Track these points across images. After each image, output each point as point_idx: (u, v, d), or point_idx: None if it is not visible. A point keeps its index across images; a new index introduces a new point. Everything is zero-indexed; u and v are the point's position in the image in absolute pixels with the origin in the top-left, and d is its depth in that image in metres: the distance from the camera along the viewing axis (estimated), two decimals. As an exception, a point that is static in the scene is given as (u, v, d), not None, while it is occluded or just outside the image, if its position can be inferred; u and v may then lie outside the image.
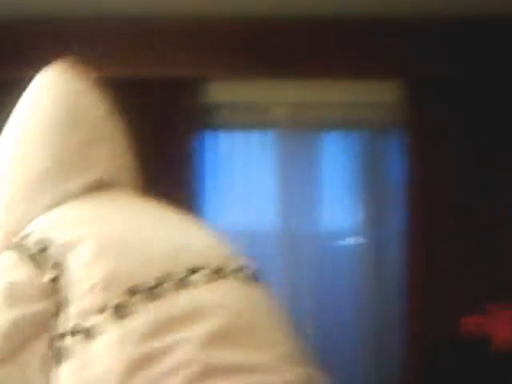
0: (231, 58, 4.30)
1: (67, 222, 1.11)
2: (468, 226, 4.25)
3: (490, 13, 4.13)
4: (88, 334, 0.97)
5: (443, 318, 4.16)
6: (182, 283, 1.02)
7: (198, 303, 1.00)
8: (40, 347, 1.01)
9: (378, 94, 4.40)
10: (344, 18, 4.26)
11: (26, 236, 1.08)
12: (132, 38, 4.32)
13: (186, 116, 4.38)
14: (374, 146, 4.53)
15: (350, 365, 4.30)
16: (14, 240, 1.10)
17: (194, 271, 1.03)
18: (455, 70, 4.35)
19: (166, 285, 1.01)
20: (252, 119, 4.60)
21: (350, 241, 4.63)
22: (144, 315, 0.97)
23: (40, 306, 1.01)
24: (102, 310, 0.97)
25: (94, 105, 1.27)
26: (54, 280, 1.02)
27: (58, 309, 1.00)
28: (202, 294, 1.01)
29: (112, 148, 1.27)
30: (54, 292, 1.01)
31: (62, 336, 0.99)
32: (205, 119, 4.48)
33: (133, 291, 0.99)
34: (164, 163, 4.35)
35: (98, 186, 1.20)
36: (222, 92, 4.48)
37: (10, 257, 1.07)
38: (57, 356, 0.99)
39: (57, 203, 1.14)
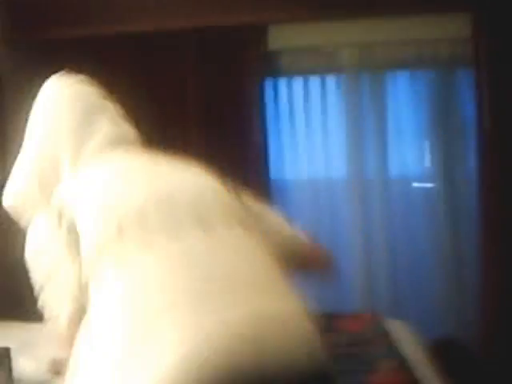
0: (293, 2, 4.21)
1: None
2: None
3: None
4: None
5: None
6: None
7: None
8: None
9: (447, 30, 4.19)
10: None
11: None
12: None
13: (250, 64, 4.31)
14: (444, 86, 4.34)
15: (426, 305, 4.24)
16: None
17: None
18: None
19: None
20: (317, 64, 4.47)
21: (421, 185, 4.52)
22: None
23: None
24: None
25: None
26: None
27: None
28: None
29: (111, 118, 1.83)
30: None
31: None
32: (269, 66, 4.40)
33: None
34: (229, 112, 4.34)
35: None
36: (285, 38, 4.37)
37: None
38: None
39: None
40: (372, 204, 4.41)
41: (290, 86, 4.52)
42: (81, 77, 1.92)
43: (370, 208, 4.41)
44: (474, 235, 4.21)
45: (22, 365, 2.01)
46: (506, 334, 4.06)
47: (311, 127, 4.49)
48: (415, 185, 4.54)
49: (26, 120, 1.91)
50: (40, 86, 1.95)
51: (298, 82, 4.50)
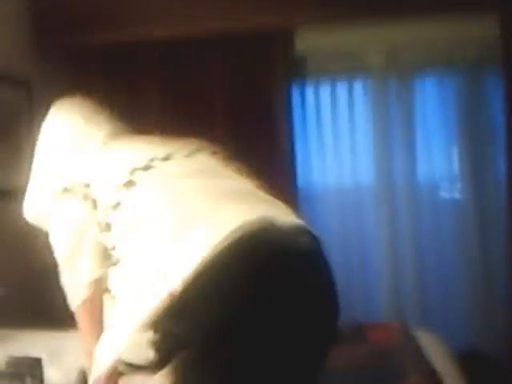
0: (320, 5, 4.18)
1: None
2: None
3: None
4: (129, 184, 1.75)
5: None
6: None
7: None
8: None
9: (474, 31, 4.11)
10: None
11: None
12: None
13: (276, 69, 4.30)
14: (472, 88, 4.29)
15: (453, 316, 4.21)
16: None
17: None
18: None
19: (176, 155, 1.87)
20: (344, 68, 4.45)
21: (450, 190, 4.48)
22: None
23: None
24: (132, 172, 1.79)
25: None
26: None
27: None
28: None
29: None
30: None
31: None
32: (295, 71, 4.38)
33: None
34: (256, 118, 4.33)
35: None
36: (311, 42, 4.34)
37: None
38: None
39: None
40: (400, 210, 4.37)
41: (316, 91, 4.50)
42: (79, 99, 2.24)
43: (397, 214, 4.37)
44: (504, 243, 4.14)
45: (51, 375, 2.02)
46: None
47: (338, 132, 4.46)
48: (443, 190, 4.49)
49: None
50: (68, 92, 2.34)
51: (325, 87, 4.48)
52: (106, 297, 1.71)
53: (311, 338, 1.52)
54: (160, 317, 1.46)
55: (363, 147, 4.45)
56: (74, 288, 1.82)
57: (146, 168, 1.79)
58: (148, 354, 1.49)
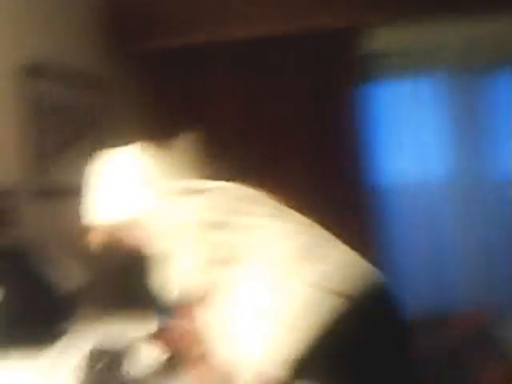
0: (394, 3, 4.17)
1: None
2: None
3: None
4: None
5: None
6: None
7: None
8: None
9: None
10: None
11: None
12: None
13: (350, 66, 4.31)
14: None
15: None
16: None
17: None
18: None
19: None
20: (419, 65, 4.44)
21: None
22: None
23: None
24: None
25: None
26: None
27: None
28: None
29: None
30: None
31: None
32: (369, 69, 4.40)
33: None
34: (326, 119, 4.34)
35: None
36: (382, 40, 4.29)
37: None
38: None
39: None
40: (475, 206, 4.34)
41: (392, 90, 4.50)
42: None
43: (473, 210, 4.34)
44: None
45: (137, 361, 2.06)
46: None
47: (414, 130, 4.45)
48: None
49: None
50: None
51: (400, 85, 4.49)
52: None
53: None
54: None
55: (436, 144, 4.43)
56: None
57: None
58: None
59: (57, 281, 2.96)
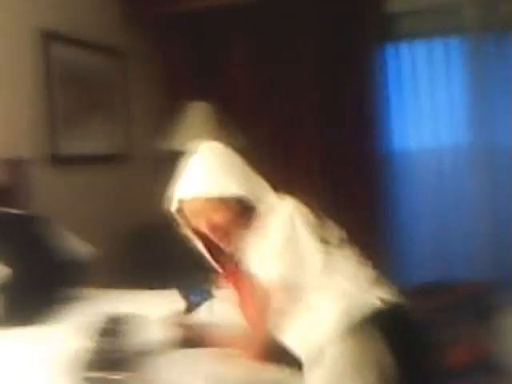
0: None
1: None
2: None
3: None
4: None
5: None
6: None
7: None
8: None
9: None
10: None
11: None
12: None
13: (368, 27, 4.23)
14: None
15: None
16: None
17: None
18: None
19: None
20: (439, 26, 4.30)
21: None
22: None
23: None
24: None
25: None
26: None
27: None
28: None
29: None
30: None
31: None
32: (388, 29, 4.29)
33: None
34: (345, 79, 4.28)
35: None
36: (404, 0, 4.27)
37: None
38: None
39: None
40: (498, 172, 4.21)
41: (411, 50, 4.39)
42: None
43: (495, 176, 4.22)
44: None
45: (145, 330, 2.08)
46: None
47: (434, 93, 4.35)
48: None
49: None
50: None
51: (419, 46, 4.36)
52: None
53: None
54: None
55: (460, 108, 4.32)
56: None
57: None
58: None
59: (67, 249, 2.97)
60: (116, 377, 1.85)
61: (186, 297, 2.49)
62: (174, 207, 2.15)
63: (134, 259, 3.84)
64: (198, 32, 4.47)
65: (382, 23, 4.25)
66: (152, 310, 2.53)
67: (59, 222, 3.07)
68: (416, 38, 4.37)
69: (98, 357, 1.89)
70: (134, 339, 1.99)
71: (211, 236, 2.10)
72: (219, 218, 2.05)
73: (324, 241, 2.00)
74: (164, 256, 3.63)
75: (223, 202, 2.06)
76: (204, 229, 2.09)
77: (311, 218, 2.03)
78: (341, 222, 2.11)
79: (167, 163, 4.33)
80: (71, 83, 3.71)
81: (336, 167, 4.27)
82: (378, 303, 1.89)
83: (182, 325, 2.26)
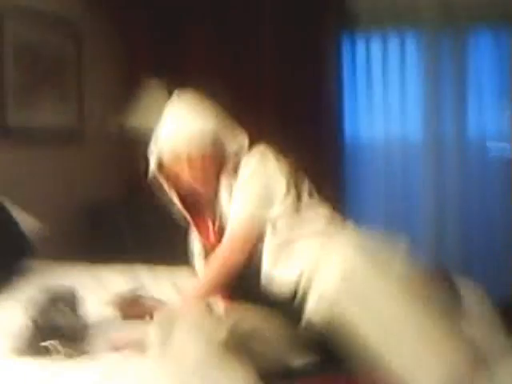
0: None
1: None
2: None
3: None
4: None
5: None
6: None
7: None
8: None
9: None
10: None
11: None
12: None
13: (327, 21, 4.22)
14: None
15: (495, 267, 4.11)
16: None
17: None
18: None
19: None
20: (396, 21, 4.34)
21: (500, 147, 4.36)
22: None
23: None
24: None
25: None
26: None
27: None
28: None
29: None
30: None
31: None
32: (346, 23, 4.30)
33: None
34: (303, 71, 4.26)
35: None
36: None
37: None
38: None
39: None
40: (447, 166, 4.30)
41: (368, 45, 4.41)
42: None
43: (445, 169, 4.30)
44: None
45: (88, 306, 2.05)
46: None
47: (388, 87, 4.38)
48: (493, 148, 4.38)
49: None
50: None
51: (376, 41, 4.39)
52: None
53: None
54: None
55: (413, 102, 4.37)
56: None
57: None
58: None
59: (16, 224, 2.90)
60: (49, 344, 1.84)
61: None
62: (154, 163, 2.20)
63: (86, 234, 3.79)
64: (157, 7, 4.40)
65: (340, 15, 4.26)
66: (103, 284, 2.50)
67: (7, 196, 3.01)
68: (373, 31, 4.39)
69: (38, 329, 1.88)
70: (75, 312, 1.97)
71: (192, 182, 2.13)
72: (199, 161, 2.09)
73: (295, 187, 2.06)
74: (117, 231, 3.60)
75: (202, 144, 2.10)
76: (185, 176, 2.12)
77: (284, 163, 2.09)
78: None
79: (120, 140, 4.32)
80: (24, 56, 3.61)
81: (299, 160, 4.26)
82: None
83: (127, 301, 2.25)
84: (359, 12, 4.32)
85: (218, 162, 2.12)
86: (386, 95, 4.39)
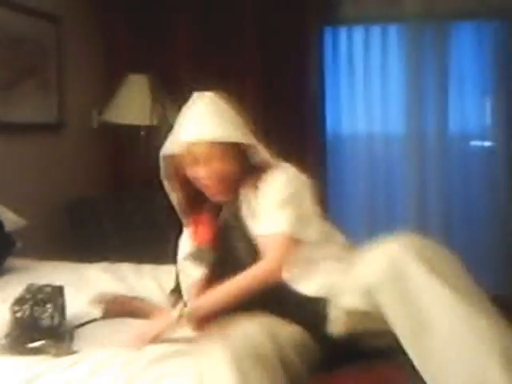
0: None
1: None
2: None
3: None
4: None
5: None
6: None
7: None
8: None
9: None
10: None
11: None
12: None
13: (309, 11, 4.19)
14: (510, 37, 4.13)
15: (479, 264, 4.14)
16: None
17: None
18: None
19: None
20: (378, 13, 4.31)
21: (481, 142, 4.39)
22: None
23: None
24: None
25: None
26: None
27: None
28: None
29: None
30: None
31: None
32: (328, 14, 4.27)
33: None
34: (286, 61, 4.23)
35: None
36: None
37: None
38: None
39: None
40: (429, 160, 4.31)
41: (349, 36, 4.40)
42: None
43: (426, 164, 4.31)
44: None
45: (73, 304, 2.04)
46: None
47: (370, 79, 4.37)
48: (474, 142, 4.40)
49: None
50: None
51: (358, 32, 4.37)
52: None
53: None
54: None
55: (395, 95, 4.36)
56: None
57: None
58: None
59: (1, 221, 2.88)
60: (36, 345, 1.83)
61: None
62: (168, 151, 2.09)
63: (70, 232, 3.77)
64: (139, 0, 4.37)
65: (323, 6, 4.23)
66: (88, 282, 2.48)
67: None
68: (355, 24, 4.38)
69: (23, 328, 1.86)
70: (61, 311, 1.95)
71: (206, 182, 2.06)
72: (220, 164, 2.02)
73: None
74: (101, 229, 3.58)
75: (228, 148, 2.03)
76: (200, 175, 2.04)
77: (310, 185, 2.06)
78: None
79: (102, 135, 4.30)
80: (4, 48, 3.56)
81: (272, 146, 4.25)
82: None
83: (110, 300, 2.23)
84: (341, 3, 4.30)
85: (237, 172, 2.06)
86: (367, 87, 4.38)
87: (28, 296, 1.94)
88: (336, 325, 1.78)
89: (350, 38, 4.40)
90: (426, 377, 1.55)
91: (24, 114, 3.75)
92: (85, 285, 2.48)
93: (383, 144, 4.41)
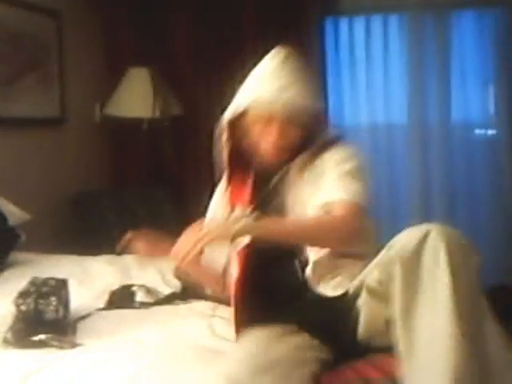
0: None
1: None
2: None
3: None
4: None
5: None
6: None
7: None
8: None
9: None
10: None
11: None
12: None
13: (309, 2, 4.19)
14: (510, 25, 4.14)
15: (483, 248, 4.14)
16: None
17: None
18: None
19: None
20: (379, 2, 4.31)
21: (484, 131, 4.39)
22: None
23: None
24: None
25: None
26: None
27: None
28: None
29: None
30: None
31: None
32: (329, 5, 4.27)
33: None
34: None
35: None
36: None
37: None
38: None
39: None
40: (432, 150, 4.31)
41: (351, 27, 4.39)
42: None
43: (430, 154, 4.31)
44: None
45: (78, 297, 2.04)
46: None
47: (372, 70, 4.37)
48: (477, 131, 4.40)
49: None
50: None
51: (359, 23, 4.36)
52: None
53: None
54: None
55: (397, 85, 4.36)
56: None
57: None
58: None
59: (5, 214, 2.88)
60: (40, 338, 1.83)
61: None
62: (235, 111, 2.01)
63: (73, 225, 3.77)
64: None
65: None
66: (92, 275, 2.49)
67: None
68: (356, 14, 4.37)
69: (28, 322, 1.87)
70: (65, 305, 1.95)
71: (273, 145, 1.97)
72: (294, 128, 1.96)
73: None
74: (104, 221, 3.58)
75: (305, 113, 1.96)
76: (272, 136, 1.95)
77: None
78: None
79: (104, 128, 4.30)
80: (4, 43, 3.56)
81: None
82: None
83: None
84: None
85: (302, 137, 1.98)
86: (369, 77, 4.37)
87: (32, 289, 1.95)
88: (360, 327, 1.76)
89: (351, 28, 4.38)
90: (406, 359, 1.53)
91: (26, 109, 3.75)
92: (89, 278, 2.48)
93: (386, 134, 4.41)
